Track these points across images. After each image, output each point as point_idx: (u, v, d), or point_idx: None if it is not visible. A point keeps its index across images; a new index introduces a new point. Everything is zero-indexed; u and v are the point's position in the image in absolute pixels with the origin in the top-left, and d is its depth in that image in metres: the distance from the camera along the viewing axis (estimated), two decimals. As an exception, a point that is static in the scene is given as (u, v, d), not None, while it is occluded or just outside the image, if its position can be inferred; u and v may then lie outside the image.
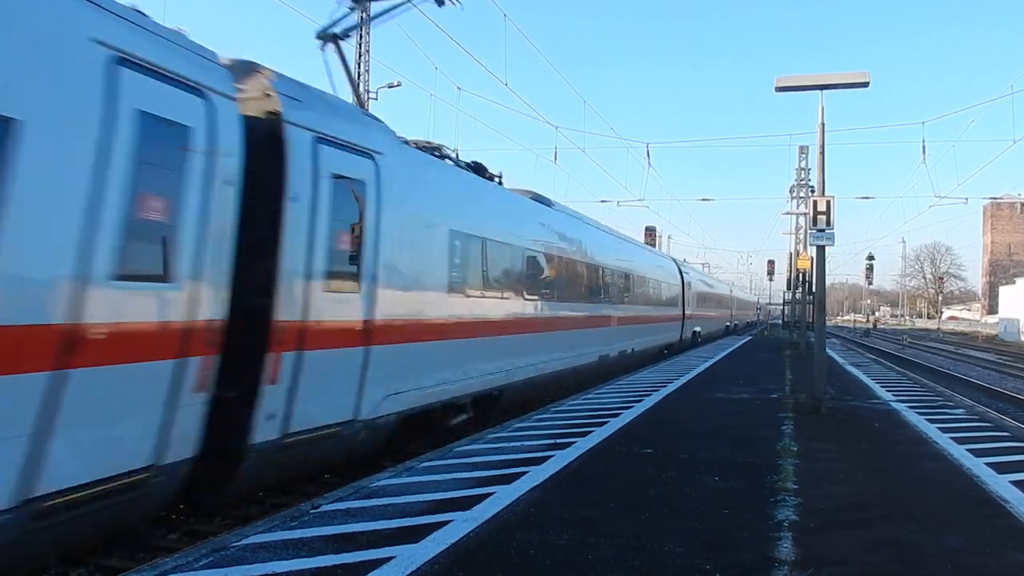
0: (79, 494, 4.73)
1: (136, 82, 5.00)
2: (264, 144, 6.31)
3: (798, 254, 31.34)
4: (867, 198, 37.57)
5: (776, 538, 5.17)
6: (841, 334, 62.85)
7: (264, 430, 6.33)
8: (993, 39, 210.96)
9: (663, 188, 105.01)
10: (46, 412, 4.45)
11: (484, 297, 10.45)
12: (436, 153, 10.04)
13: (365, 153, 7.59)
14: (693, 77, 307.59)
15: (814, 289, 14.74)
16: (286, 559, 4.59)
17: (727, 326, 46.76)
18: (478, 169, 11.60)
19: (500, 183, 12.24)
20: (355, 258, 7.46)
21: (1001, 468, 7.48)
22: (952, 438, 9.23)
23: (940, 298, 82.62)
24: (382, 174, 7.76)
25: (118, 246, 4.86)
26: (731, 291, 51.38)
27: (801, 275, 29.28)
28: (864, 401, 13.15)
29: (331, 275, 7.06)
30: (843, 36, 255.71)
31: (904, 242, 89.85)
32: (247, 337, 6.10)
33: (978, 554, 4.93)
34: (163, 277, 5.30)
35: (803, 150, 32.01)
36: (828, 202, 11.35)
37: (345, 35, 10.04)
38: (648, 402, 12.24)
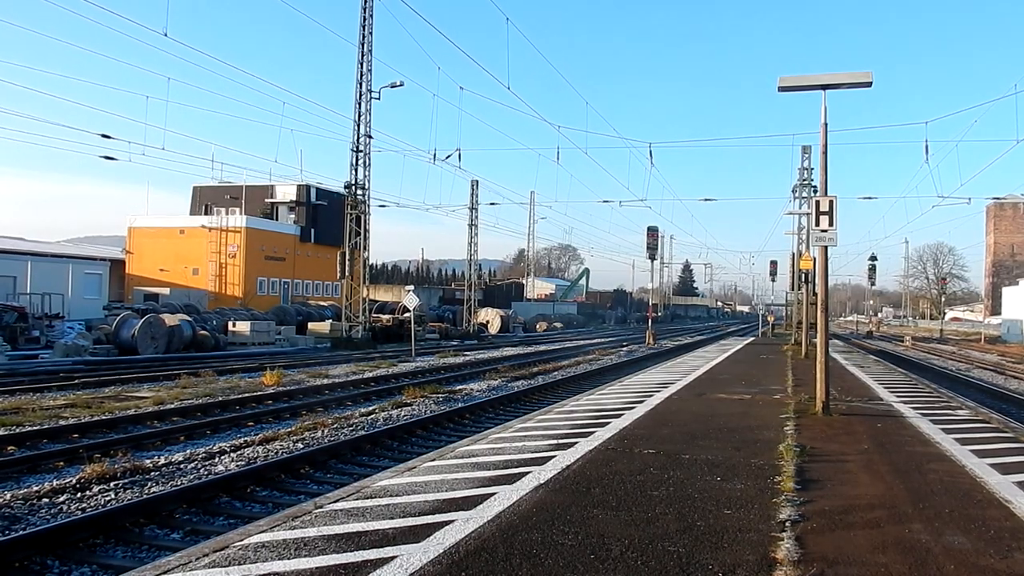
0: None
1: None
2: None
3: (801, 254, 31.31)
4: (870, 198, 37.71)
5: (779, 538, 5.14)
6: (843, 334, 62.71)
7: None
8: (996, 39, 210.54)
9: (665, 188, 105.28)
10: None
11: None
12: None
13: None
14: (696, 77, 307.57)
15: (817, 290, 14.70)
16: (288, 558, 4.57)
17: None
18: None
19: None
20: None
21: (1005, 469, 7.45)
22: (956, 439, 9.21)
23: (943, 299, 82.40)
24: None
25: None
26: None
27: (804, 276, 29.25)
28: (867, 402, 13.11)
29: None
30: (846, 36, 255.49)
31: (907, 242, 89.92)
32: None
33: (985, 555, 4.89)
34: None
35: (806, 150, 32.08)
36: (831, 202, 11.30)
37: None
38: (650, 403, 12.22)
